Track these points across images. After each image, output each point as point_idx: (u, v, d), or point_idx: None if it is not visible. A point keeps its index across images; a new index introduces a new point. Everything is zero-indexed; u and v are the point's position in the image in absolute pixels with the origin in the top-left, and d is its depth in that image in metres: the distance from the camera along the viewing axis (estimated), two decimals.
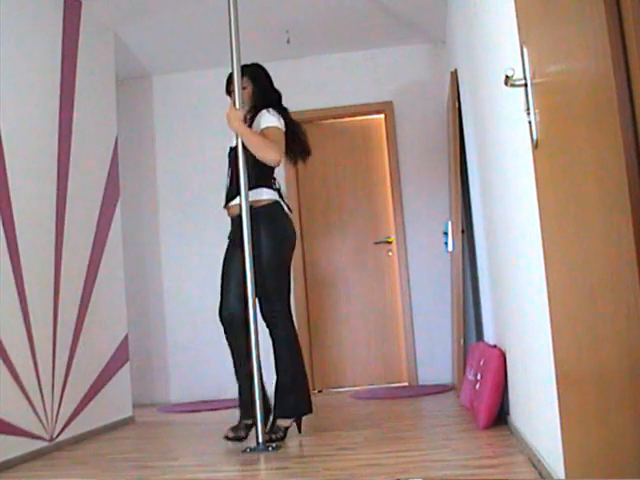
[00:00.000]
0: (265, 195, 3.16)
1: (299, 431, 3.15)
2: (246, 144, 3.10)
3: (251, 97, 3.34)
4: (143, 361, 5.10)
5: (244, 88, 3.28)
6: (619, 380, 1.04)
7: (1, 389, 2.95)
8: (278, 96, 3.41)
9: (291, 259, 3.22)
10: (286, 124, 3.26)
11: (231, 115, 3.12)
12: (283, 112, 3.32)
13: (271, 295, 3.11)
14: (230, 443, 3.05)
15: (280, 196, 3.22)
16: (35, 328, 3.24)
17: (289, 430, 3.11)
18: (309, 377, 3.33)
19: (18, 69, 3.37)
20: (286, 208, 3.21)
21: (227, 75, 3.30)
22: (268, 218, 3.13)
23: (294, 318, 3.21)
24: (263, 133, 3.15)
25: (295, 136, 3.35)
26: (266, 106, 3.26)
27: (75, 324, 3.63)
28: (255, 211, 3.09)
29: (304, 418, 3.19)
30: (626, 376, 1.00)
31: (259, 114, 3.24)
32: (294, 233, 3.23)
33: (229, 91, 3.30)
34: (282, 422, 3.10)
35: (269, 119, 3.19)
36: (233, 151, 3.26)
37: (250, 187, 3.10)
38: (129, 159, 5.18)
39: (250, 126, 3.19)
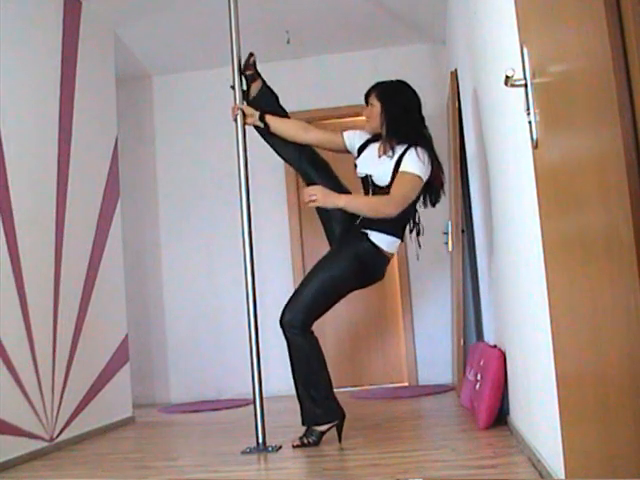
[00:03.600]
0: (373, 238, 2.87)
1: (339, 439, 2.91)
2: (353, 211, 2.83)
3: (379, 117, 3.00)
4: (143, 361, 5.10)
5: (372, 105, 3.02)
6: (619, 380, 1.04)
7: (1, 389, 2.95)
8: (415, 121, 2.96)
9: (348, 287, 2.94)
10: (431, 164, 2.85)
11: (318, 193, 2.78)
12: (431, 149, 2.90)
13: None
14: (230, 443, 3.05)
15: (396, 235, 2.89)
16: (35, 328, 3.24)
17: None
18: None
19: (18, 69, 3.37)
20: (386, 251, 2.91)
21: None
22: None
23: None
24: (399, 175, 2.82)
25: (433, 178, 2.90)
26: (405, 137, 2.88)
27: (75, 324, 3.63)
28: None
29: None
30: (626, 376, 1.00)
31: (407, 152, 2.83)
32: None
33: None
34: (318, 427, 2.89)
35: (414, 164, 2.79)
36: (367, 178, 2.96)
37: (366, 226, 2.86)
38: (129, 159, 5.18)
39: (384, 155, 2.88)
